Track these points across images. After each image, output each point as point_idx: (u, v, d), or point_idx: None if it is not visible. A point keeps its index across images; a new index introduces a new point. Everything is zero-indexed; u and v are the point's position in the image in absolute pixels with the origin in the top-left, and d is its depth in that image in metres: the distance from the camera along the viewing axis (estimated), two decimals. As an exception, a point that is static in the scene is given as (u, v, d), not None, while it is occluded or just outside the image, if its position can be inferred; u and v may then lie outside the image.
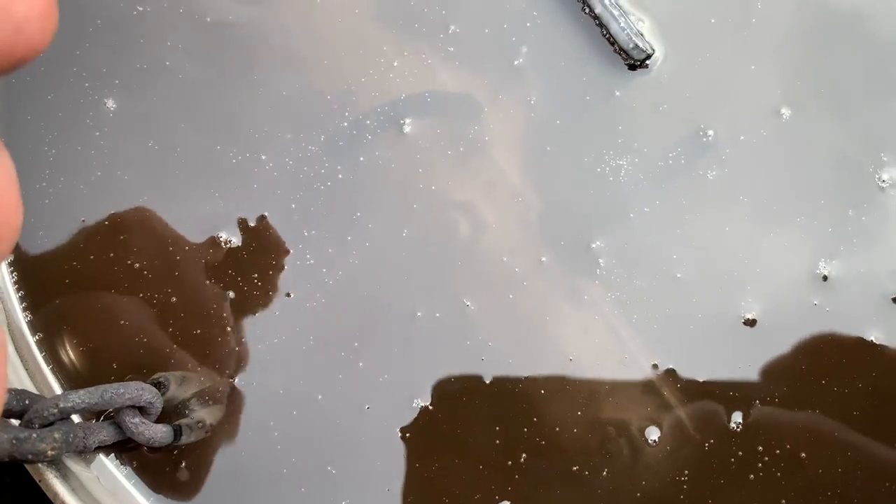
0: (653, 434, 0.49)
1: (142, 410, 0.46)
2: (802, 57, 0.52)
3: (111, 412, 0.46)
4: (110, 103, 0.53)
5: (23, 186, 0.51)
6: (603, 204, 0.51)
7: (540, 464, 0.49)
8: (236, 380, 0.51)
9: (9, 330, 0.50)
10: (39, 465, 0.48)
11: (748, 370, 0.50)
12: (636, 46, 0.52)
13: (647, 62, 0.52)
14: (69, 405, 0.43)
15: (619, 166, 0.52)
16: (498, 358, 0.50)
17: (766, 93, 0.52)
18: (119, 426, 0.46)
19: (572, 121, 0.52)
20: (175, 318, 0.51)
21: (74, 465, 0.49)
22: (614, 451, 0.49)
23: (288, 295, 0.51)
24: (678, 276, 0.51)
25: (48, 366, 0.50)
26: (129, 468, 0.50)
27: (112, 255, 0.52)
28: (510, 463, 0.49)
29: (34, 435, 0.42)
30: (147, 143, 0.53)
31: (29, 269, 0.52)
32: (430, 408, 0.50)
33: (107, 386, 0.44)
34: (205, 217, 0.52)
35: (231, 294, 0.51)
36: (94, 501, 0.49)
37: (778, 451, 0.49)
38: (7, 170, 0.24)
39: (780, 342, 0.50)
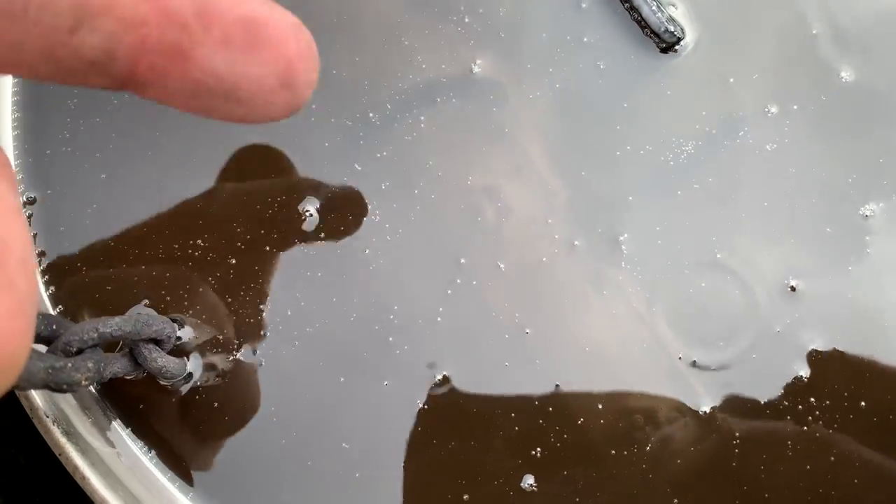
0: (679, 424, 0.48)
1: (157, 344, 0.46)
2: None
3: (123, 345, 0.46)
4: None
5: (46, 144, 0.52)
6: (631, 190, 0.51)
7: (562, 451, 0.48)
8: (257, 350, 0.50)
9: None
10: (61, 437, 0.47)
11: (778, 360, 0.49)
12: (667, 30, 0.51)
13: (678, 46, 0.52)
14: (108, 330, 0.43)
15: (648, 151, 0.51)
16: (520, 344, 0.49)
17: (803, 77, 0.51)
18: (133, 360, 0.46)
19: (601, 105, 0.52)
20: (192, 283, 0.50)
21: (95, 441, 0.48)
22: (640, 440, 0.48)
23: (307, 273, 0.51)
24: (708, 264, 0.50)
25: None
26: (148, 446, 0.49)
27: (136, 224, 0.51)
28: (531, 447, 0.48)
29: (69, 364, 0.42)
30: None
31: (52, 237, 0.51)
32: (451, 388, 0.49)
33: (139, 315, 0.45)
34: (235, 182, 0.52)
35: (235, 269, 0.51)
36: (113, 478, 0.48)
37: (800, 446, 0.48)
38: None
39: (811, 339, 0.49)
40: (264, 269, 0.51)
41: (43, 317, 0.43)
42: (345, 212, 0.51)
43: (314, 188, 0.51)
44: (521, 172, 0.51)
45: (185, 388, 0.49)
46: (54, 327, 0.43)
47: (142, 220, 0.51)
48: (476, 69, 0.52)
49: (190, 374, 0.49)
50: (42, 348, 0.43)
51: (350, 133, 0.52)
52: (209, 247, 0.51)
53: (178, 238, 0.51)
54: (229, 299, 0.50)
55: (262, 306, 0.50)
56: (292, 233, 0.51)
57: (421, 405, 0.49)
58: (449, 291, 0.50)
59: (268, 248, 0.51)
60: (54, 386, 0.42)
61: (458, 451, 0.49)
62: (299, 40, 0.27)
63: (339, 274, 0.51)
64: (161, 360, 0.46)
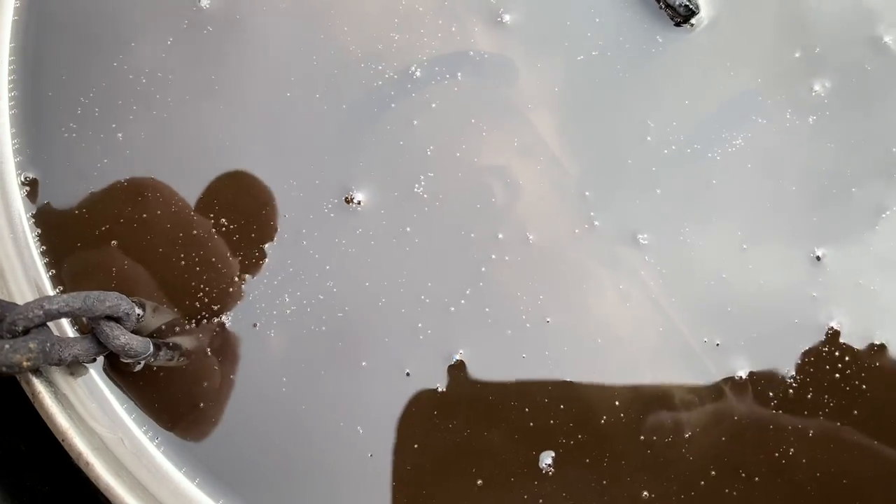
0: (694, 406, 0.47)
1: (118, 322, 0.44)
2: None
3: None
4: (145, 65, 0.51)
5: (49, 135, 0.51)
6: (643, 169, 0.50)
7: (577, 434, 0.47)
8: (277, 334, 0.49)
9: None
10: (64, 422, 0.46)
11: (793, 342, 0.48)
12: (682, 3, 0.50)
13: (693, 20, 0.51)
14: (54, 307, 0.42)
15: (662, 128, 0.50)
16: (534, 326, 0.48)
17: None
18: (95, 341, 0.44)
19: (613, 82, 0.51)
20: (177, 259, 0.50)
21: (98, 427, 0.47)
22: (655, 423, 0.47)
23: (316, 256, 0.49)
24: (724, 245, 0.49)
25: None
26: (153, 431, 0.48)
27: (130, 208, 0.50)
28: (545, 430, 0.47)
29: (7, 346, 0.41)
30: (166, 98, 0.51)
31: (51, 220, 0.50)
32: (468, 375, 0.48)
33: (89, 292, 0.43)
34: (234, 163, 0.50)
35: (272, 242, 0.50)
36: (117, 463, 0.47)
37: (812, 433, 0.47)
38: None
39: (834, 315, 0.48)
40: (297, 254, 0.49)
41: None
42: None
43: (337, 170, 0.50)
44: (531, 152, 0.50)
45: (137, 367, 0.48)
46: None
47: (159, 200, 0.50)
48: (483, 46, 0.51)
49: (158, 351, 0.47)
50: None
51: (355, 109, 0.51)
52: (236, 229, 0.50)
53: (199, 221, 0.50)
54: (254, 280, 0.49)
55: (295, 291, 0.49)
56: (326, 215, 0.50)
57: (439, 391, 0.48)
58: (483, 269, 0.49)
59: (304, 231, 0.50)
60: None
61: (473, 437, 0.48)
62: None
63: (376, 257, 0.49)
64: (123, 338, 0.44)
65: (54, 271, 0.50)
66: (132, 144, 0.51)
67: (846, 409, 0.47)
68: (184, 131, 0.51)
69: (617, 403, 0.47)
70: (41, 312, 0.42)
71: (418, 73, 0.51)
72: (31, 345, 0.41)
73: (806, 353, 0.48)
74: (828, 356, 0.47)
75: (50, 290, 0.49)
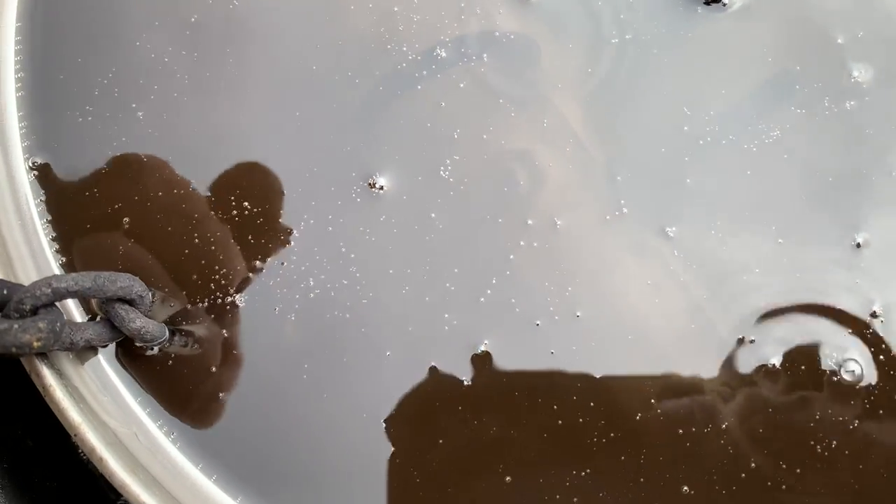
0: (729, 397, 0.46)
1: (131, 305, 0.44)
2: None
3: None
4: (154, 46, 0.50)
5: (60, 117, 0.49)
6: (672, 149, 0.48)
7: (609, 431, 0.46)
8: (297, 324, 0.47)
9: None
10: (75, 418, 0.44)
11: (833, 329, 0.46)
12: (712, -19, 0.48)
13: (725, 0, 0.49)
14: (63, 285, 0.40)
15: (697, 119, 0.48)
16: (563, 319, 0.47)
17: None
18: (109, 325, 0.44)
19: (641, 63, 0.49)
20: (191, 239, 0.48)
21: (111, 421, 0.46)
22: (687, 412, 0.46)
23: (342, 248, 0.48)
24: (759, 239, 0.47)
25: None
26: (169, 426, 0.47)
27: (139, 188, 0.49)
28: (575, 428, 0.46)
29: (15, 326, 0.39)
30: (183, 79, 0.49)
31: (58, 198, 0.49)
32: (495, 370, 0.46)
33: (99, 272, 0.42)
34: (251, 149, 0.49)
35: (295, 227, 0.48)
36: (131, 458, 0.45)
37: (854, 425, 0.46)
38: None
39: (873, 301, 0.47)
40: (321, 240, 0.48)
41: None
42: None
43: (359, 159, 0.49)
44: (556, 136, 0.48)
45: (150, 352, 0.47)
46: (5, 292, 0.41)
47: (176, 179, 0.48)
48: (505, 27, 0.49)
49: (172, 337, 0.47)
50: None
51: (375, 90, 0.49)
52: (259, 213, 0.48)
53: (217, 202, 0.48)
54: (274, 264, 0.48)
55: (319, 275, 0.47)
56: (350, 201, 0.48)
57: (465, 385, 0.46)
58: (511, 257, 0.47)
59: (329, 217, 0.48)
60: (2, 350, 0.39)
61: (499, 435, 0.46)
62: None
63: (399, 244, 0.48)
64: (139, 321, 0.43)
65: (64, 259, 0.48)
66: (153, 124, 0.49)
67: (890, 399, 0.46)
68: (206, 112, 0.49)
69: (652, 400, 0.46)
70: (49, 291, 0.40)
71: (443, 54, 0.49)
72: (41, 324, 0.40)
73: (846, 340, 0.46)
74: (872, 342, 0.46)
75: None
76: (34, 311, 0.41)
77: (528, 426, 0.46)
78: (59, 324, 0.41)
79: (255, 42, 0.50)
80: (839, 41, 0.48)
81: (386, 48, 0.49)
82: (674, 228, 0.47)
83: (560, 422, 0.46)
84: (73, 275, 0.41)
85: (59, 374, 0.45)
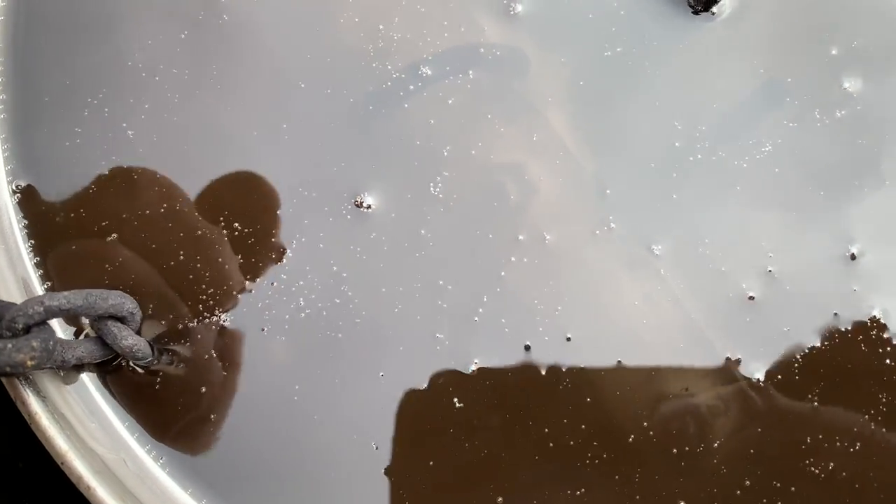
0: (720, 413, 0.45)
1: (122, 323, 0.44)
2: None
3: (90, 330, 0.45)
4: (140, 63, 0.49)
5: (47, 138, 0.48)
6: (662, 164, 0.47)
7: (602, 452, 0.45)
8: (289, 343, 0.47)
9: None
10: (62, 446, 0.44)
11: (822, 351, 0.46)
12: (700, -11, 0.48)
13: (714, 7, 0.48)
14: (55, 303, 0.41)
15: (679, 115, 0.48)
16: (553, 339, 0.46)
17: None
18: (100, 342, 0.44)
19: (632, 77, 0.48)
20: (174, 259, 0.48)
21: (99, 447, 0.45)
22: (680, 429, 0.45)
23: (329, 262, 0.47)
24: (748, 256, 0.46)
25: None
26: (157, 451, 0.46)
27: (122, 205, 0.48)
28: (566, 450, 0.45)
29: (9, 345, 0.40)
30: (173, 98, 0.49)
31: (37, 213, 0.48)
32: (482, 389, 0.46)
33: (90, 289, 0.42)
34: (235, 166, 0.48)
35: (285, 245, 0.47)
36: (119, 485, 0.45)
37: (853, 446, 0.45)
38: None
39: (871, 308, 0.46)
40: (312, 259, 0.47)
41: None
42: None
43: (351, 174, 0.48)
44: (546, 148, 0.48)
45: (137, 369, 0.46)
46: None
47: (164, 196, 0.48)
48: (493, 38, 0.49)
49: (158, 355, 0.46)
50: None
51: (363, 108, 0.48)
52: (250, 233, 0.48)
53: (205, 221, 0.48)
54: (263, 283, 0.47)
55: (310, 294, 0.47)
56: (340, 219, 0.47)
57: (456, 406, 0.46)
58: (503, 273, 0.47)
59: (321, 235, 0.47)
60: None
61: (491, 457, 0.46)
62: None
63: (390, 262, 0.47)
64: (131, 339, 0.44)
65: (49, 283, 0.47)
66: (144, 142, 0.48)
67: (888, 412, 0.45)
68: (196, 130, 0.49)
69: (644, 423, 0.45)
70: (41, 309, 0.40)
71: (428, 72, 0.48)
72: (34, 343, 0.40)
73: (840, 352, 0.46)
74: (868, 350, 0.45)
75: (38, 288, 0.47)
76: (26, 330, 0.41)
77: (520, 448, 0.45)
78: (51, 342, 0.41)
79: (244, 60, 0.49)
80: (833, 52, 0.48)
81: (371, 66, 0.49)
82: (661, 245, 0.47)
83: (551, 444, 0.45)
84: (65, 293, 0.41)
85: (45, 399, 0.45)
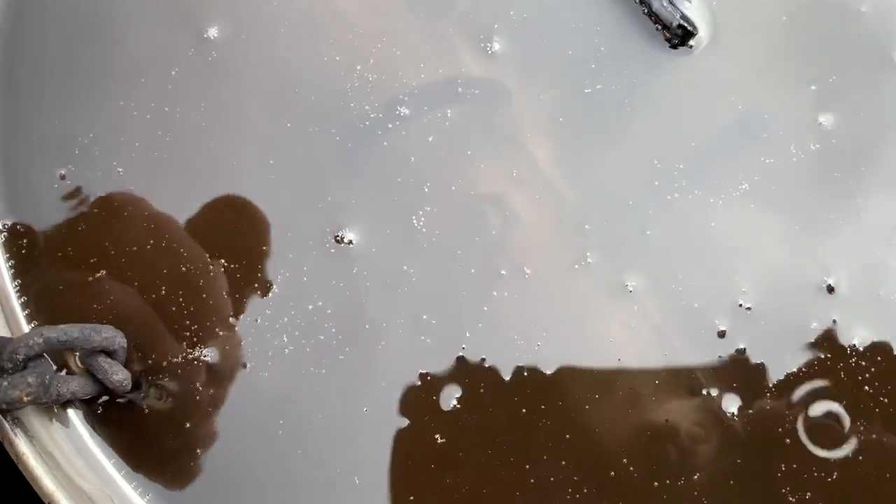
0: (700, 440, 0.46)
1: (112, 357, 0.45)
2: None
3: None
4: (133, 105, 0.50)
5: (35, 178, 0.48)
6: (642, 192, 0.48)
7: (581, 478, 0.46)
8: (278, 377, 0.47)
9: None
10: (50, 486, 0.44)
11: (804, 374, 0.46)
12: (680, 24, 0.48)
13: (691, 42, 0.49)
14: (53, 335, 0.42)
15: (658, 152, 0.48)
16: (536, 357, 0.47)
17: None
18: (91, 378, 0.45)
19: (609, 105, 0.49)
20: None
21: (86, 485, 0.46)
22: (661, 458, 0.46)
23: (312, 296, 0.48)
24: (729, 270, 0.47)
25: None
26: (142, 486, 0.47)
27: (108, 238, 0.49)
28: (546, 487, 0.46)
29: (5, 383, 0.41)
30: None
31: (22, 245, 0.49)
32: (464, 425, 0.46)
33: (84, 324, 0.44)
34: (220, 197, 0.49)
35: (269, 281, 0.48)
36: (107, 523, 0.45)
37: (815, 472, 0.45)
38: None
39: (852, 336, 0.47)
40: (297, 294, 0.48)
41: None
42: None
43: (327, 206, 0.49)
44: (527, 178, 0.49)
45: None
46: None
47: (150, 240, 0.49)
48: (474, 71, 0.49)
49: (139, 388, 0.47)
50: None
51: (345, 146, 0.49)
52: (235, 269, 0.48)
53: (191, 257, 0.48)
54: (250, 320, 0.48)
55: (294, 333, 0.47)
56: (322, 255, 0.48)
57: (438, 442, 0.46)
58: (485, 308, 0.47)
59: (304, 276, 0.48)
60: None
61: (471, 494, 0.46)
62: None
63: (373, 298, 0.48)
64: (121, 374, 0.45)
65: (36, 321, 0.48)
66: (133, 180, 0.49)
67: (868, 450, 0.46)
68: (185, 169, 0.49)
69: (624, 459, 0.46)
70: (41, 341, 0.42)
71: (406, 111, 0.49)
72: (30, 379, 0.42)
73: (819, 383, 0.46)
74: (847, 378, 0.46)
75: (25, 326, 0.48)
76: (25, 363, 0.42)
77: (501, 484, 0.46)
78: (48, 376, 0.43)
79: (232, 98, 0.50)
80: (812, 88, 0.48)
81: (350, 106, 0.49)
82: (634, 282, 0.47)
83: (532, 480, 0.46)
84: (62, 326, 0.43)
85: (32, 438, 0.45)
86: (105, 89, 0.50)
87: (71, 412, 0.47)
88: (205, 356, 0.47)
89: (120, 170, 0.49)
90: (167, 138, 0.49)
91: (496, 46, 0.50)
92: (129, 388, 0.45)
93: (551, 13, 0.50)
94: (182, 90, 0.50)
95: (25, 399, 0.41)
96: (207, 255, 0.48)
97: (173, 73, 0.50)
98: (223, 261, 0.48)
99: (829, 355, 0.46)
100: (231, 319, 0.48)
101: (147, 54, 0.50)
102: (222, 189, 0.49)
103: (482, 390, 0.47)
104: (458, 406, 0.46)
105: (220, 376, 0.47)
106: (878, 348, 0.46)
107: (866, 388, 0.46)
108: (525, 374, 0.47)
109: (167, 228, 0.49)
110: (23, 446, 0.45)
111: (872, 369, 0.46)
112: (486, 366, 0.47)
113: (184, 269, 0.48)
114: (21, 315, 0.48)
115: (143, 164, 0.49)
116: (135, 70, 0.50)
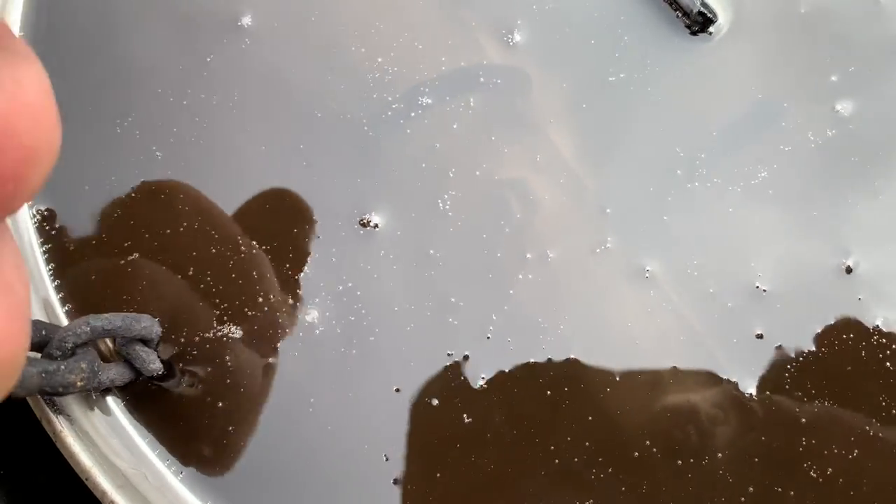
0: (720, 420, 0.47)
1: (148, 346, 0.46)
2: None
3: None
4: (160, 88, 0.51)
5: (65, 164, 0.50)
6: (663, 179, 0.49)
7: (605, 459, 0.47)
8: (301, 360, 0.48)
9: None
10: (86, 462, 0.45)
11: (824, 354, 0.47)
12: (700, 12, 0.49)
13: (711, 29, 0.50)
14: (99, 323, 0.43)
15: (680, 135, 0.49)
16: (560, 339, 0.48)
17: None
18: (128, 365, 0.46)
19: (629, 92, 0.50)
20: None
21: (121, 462, 0.47)
22: (682, 439, 0.47)
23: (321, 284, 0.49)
24: (746, 255, 0.48)
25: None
26: (175, 465, 0.48)
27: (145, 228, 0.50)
28: (571, 468, 0.47)
29: (62, 366, 0.42)
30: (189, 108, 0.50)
31: (60, 238, 0.50)
32: (490, 406, 0.47)
33: (126, 313, 0.45)
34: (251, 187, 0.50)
35: (301, 263, 0.49)
36: (143, 500, 0.46)
37: (836, 449, 0.46)
38: (39, 81, 0.23)
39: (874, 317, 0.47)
40: (325, 277, 0.49)
41: (33, 323, 0.43)
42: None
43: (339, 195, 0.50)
44: (548, 165, 0.49)
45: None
46: (44, 333, 0.44)
47: (183, 223, 0.50)
48: (495, 58, 0.50)
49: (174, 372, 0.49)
50: (35, 355, 0.43)
51: (370, 132, 0.50)
52: (267, 251, 0.49)
53: (223, 240, 0.49)
54: (279, 301, 0.49)
55: (325, 314, 0.48)
56: (351, 237, 0.49)
57: (465, 421, 0.47)
58: (511, 291, 0.48)
59: (333, 258, 0.49)
60: (50, 389, 0.42)
61: (497, 473, 0.47)
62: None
63: (401, 281, 0.49)
64: (158, 363, 0.46)
65: (69, 306, 0.49)
66: (172, 165, 0.50)
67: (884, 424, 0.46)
68: (220, 154, 0.50)
69: (647, 441, 0.47)
70: (88, 329, 0.43)
71: (429, 101, 0.50)
72: (83, 364, 0.43)
73: (837, 359, 0.47)
74: (869, 357, 0.47)
75: (60, 311, 0.49)
76: (74, 351, 0.43)
77: (526, 464, 0.47)
78: (96, 364, 0.44)
79: (264, 87, 0.51)
80: (833, 78, 0.49)
81: (372, 97, 0.50)
82: (651, 267, 0.48)
83: (557, 461, 0.47)
84: (106, 315, 0.44)
85: (70, 419, 0.46)
86: (140, 74, 0.51)
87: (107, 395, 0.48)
88: (234, 334, 0.48)
89: (159, 154, 0.50)
90: (204, 125, 0.50)
91: (518, 37, 0.50)
92: (164, 376, 0.47)
93: (574, 3, 0.51)
94: (218, 78, 0.51)
95: (79, 384, 0.42)
96: (239, 238, 0.49)
97: (208, 59, 0.51)
98: (255, 242, 0.49)
99: (851, 335, 0.47)
100: (263, 300, 0.48)
101: (181, 43, 0.51)
102: (254, 174, 0.50)
103: (508, 371, 0.48)
104: (486, 386, 0.47)
105: (250, 356, 0.48)
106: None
107: (888, 364, 0.47)
108: (549, 356, 0.48)
109: (203, 212, 0.50)
110: (60, 424, 0.46)
111: (894, 346, 0.47)
112: (512, 348, 0.48)
113: (214, 251, 0.49)
114: (56, 300, 0.49)
115: (180, 150, 0.50)
116: (172, 58, 0.51)
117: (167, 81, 0.51)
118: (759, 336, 0.47)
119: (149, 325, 0.46)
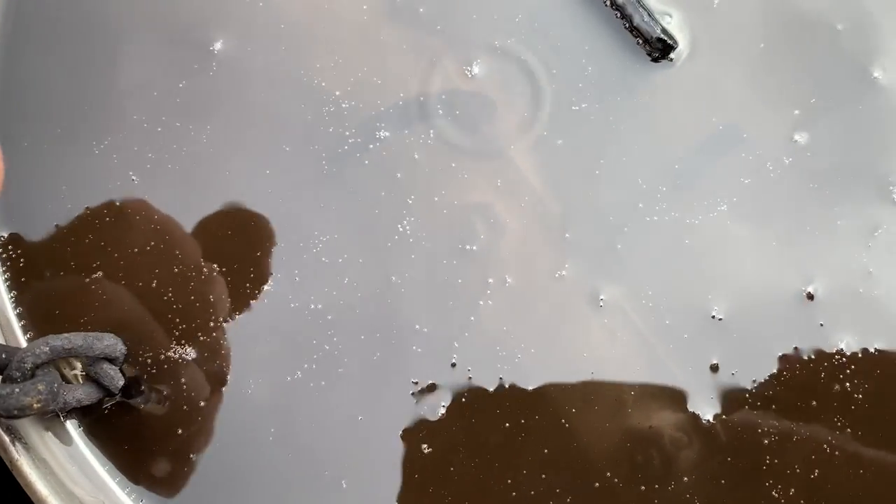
0: (684, 442, 0.47)
1: (113, 364, 0.47)
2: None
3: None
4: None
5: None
6: (626, 205, 0.49)
7: (562, 490, 0.47)
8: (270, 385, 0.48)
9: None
10: (43, 491, 0.45)
11: (785, 377, 0.47)
12: (659, 38, 0.50)
13: (672, 55, 0.50)
14: (59, 343, 0.43)
15: (642, 165, 0.50)
16: (520, 366, 0.48)
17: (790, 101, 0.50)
18: (95, 384, 0.46)
19: (593, 117, 0.50)
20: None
21: (79, 491, 0.46)
22: (644, 464, 0.47)
23: (290, 300, 0.49)
24: (710, 281, 0.48)
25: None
26: (136, 492, 0.48)
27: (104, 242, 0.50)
28: (529, 499, 0.47)
29: (17, 389, 0.42)
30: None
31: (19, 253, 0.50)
32: (449, 437, 0.48)
33: (87, 332, 0.45)
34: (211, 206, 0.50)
35: (264, 287, 0.49)
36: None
37: (798, 469, 0.47)
38: None
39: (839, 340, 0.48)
40: (290, 299, 0.49)
41: None
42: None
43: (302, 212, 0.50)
44: (513, 190, 0.50)
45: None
46: (3, 356, 0.43)
47: (150, 242, 0.50)
48: (460, 85, 0.50)
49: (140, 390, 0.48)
50: None
51: (330, 164, 0.50)
52: (231, 272, 0.49)
53: (187, 260, 0.49)
54: (238, 324, 0.49)
55: (285, 339, 0.49)
56: (313, 265, 0.49)
57: (424, 452, 0.47)
58: (472, 318, 0.49)
59: (296, 276, 0.49)
60: (5, 413, 0.42)
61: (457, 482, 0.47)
62: None
63: (364, 308, 0.49)
64: (123, 381, 0.46)
65: (30, 334, 0.49)
66: (147, 188, 0.50)
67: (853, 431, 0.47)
68: (185, 177, 0.51)
69: (608, 473, 0.47)
70: (47, 349, 0.43)
71: (386, 134, 0.50)
72: (40, 386, 0.43)
73: (802, 377, 0.47)
74: (829, 379, 0.47)
75: (21, 337, 0.49)
76: (33, 372, 0.43)
77: (485, 495, 0.47)
78: (55, 385, 0.44)
79: (232, 114, 0.51)
80: (795, 112, 0.50)
81: (328, 131, 0.50)
82: (606, 295, 0.48)
83: (514, 494, 0.47)
84: (66, 334, 0.44)
85: (26, 445, 0.46)
86: (116, 99, 0.52)
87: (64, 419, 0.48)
88: (201, 361, 0.48)
89: (134, 178, 0.50)
90: (179, 149, 0.51)
91: (476, 70, 0.51)
92: (134, 394, 0.47)
93: (537, 33, 0.51)
94: (191, 103, 0.51)
95: (36, 406, 0.42)
96: (201, 258, 0.49)
97: (181, 84, 0.51)
98: (215, 265, 0.49)
99: (812, 358, 0.47)
100: (227, 323, 0.48)
101: (156, 65, 0.51)
102: (221, 197, 0.50)
103: (468, 401, 0.48)
104: (445, 416, 0.47)
105: (209, 380, 0.48)
106: (861, 351, 0.47)
107: (847, 385, 0.47)
108: (506, 385, 0.48)
109: (167, 230, 0.50)
110: (15, 453, 0.46)
111: (853, 366, 0.47)
112: (472, 376, 0.48)
113: (176, 270, 0.49)
114: (14, 321, 0.49)
115: (153, 174, 0.51)
116: (146, 81, 0.51)
117: (143, 106, 0.51)
118: (714, 367, 0.48)
119: (112, 343, 0.46)
